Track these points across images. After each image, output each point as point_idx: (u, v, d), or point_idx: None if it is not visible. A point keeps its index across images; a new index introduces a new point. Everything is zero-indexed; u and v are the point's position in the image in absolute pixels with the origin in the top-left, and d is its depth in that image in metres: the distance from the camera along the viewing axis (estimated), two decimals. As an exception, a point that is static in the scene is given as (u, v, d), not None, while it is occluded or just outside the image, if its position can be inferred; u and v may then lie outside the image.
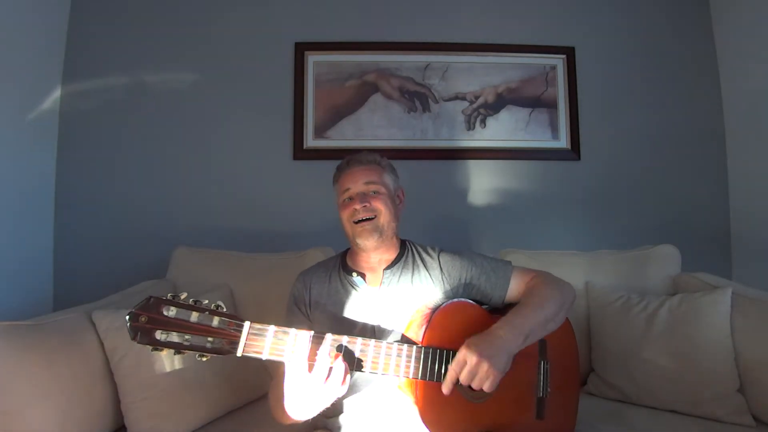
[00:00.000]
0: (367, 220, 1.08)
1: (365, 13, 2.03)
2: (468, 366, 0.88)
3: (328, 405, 0.85)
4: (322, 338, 0.87)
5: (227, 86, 1.97)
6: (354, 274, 1.12)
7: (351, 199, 1.11)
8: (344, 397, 1.05)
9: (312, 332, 0.87)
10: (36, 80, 1.80)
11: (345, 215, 1.11)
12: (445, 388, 0.89)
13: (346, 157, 1.18)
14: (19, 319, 1.07)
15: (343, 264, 1.17)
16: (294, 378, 0.82)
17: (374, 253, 1.12)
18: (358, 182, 1.11)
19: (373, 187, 1.11)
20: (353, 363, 0.87)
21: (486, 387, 0.88)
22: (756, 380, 1.23)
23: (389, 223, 1.11)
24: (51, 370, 1.02)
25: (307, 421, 0.90)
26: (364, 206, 1.08)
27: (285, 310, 1.18)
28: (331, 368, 0.83)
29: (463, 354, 0.89)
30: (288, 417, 0.86)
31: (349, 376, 0.84)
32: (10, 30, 1.64)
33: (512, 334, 0.93)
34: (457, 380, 0.90)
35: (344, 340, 0.88)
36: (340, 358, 0.84)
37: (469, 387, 0.96)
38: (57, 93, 1.90)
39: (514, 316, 0.98)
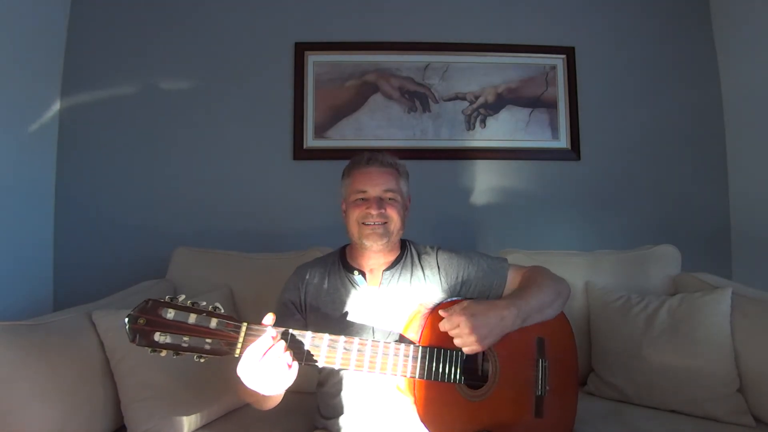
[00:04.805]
0: (378, 224, 1.08)
1: (365, 13, 2.02)
2: (460, 329, 0.92)
3: (268, 382, 0.79)
4: (321, 339, 0.87)
5: (227, 86, 1.97)
6: (355, 272, 1.12)
7: (365, 200, 1.09)
8: (341, 397, 1.05)
9: (310, 332, 0.87)
10: (37, 80, 1.80)
11: (355, 214, 1.09)
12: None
13: (365, 154, 1.14)
14: (19, 319, 1.07)
15: (343, 261, 1.17)
16: (249, 350, 0.80)
17: (376, 254, 1.12)
18: (377, 187, 1.09)
19: (390, 195, 1.10)
20: (302, 354, 0.86)
21: (465, 350, 0.93)
22: (756, 380, 1.23)
23: (398, 231, 1.12)
24: (51, 370, 1.02)
25: (277, 404, 0.96)
26: (380, 212, 1.07)
27: (277, 303, 1.15)
28: (271, 347, 0.79)
29: (463, 318, 0.93)
30: (244, 388, 0.82)
31: (296, 363, 0.82)
32: (11, 34, 1.65)
33: (513, 315, 0.98)
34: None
35: (341, 340, 0.88)
36: (279, 337, 0.81)
37: (469, 386, 0.97)
38: (57, 92, 1.90)
39: (516, 298, 1.03)
